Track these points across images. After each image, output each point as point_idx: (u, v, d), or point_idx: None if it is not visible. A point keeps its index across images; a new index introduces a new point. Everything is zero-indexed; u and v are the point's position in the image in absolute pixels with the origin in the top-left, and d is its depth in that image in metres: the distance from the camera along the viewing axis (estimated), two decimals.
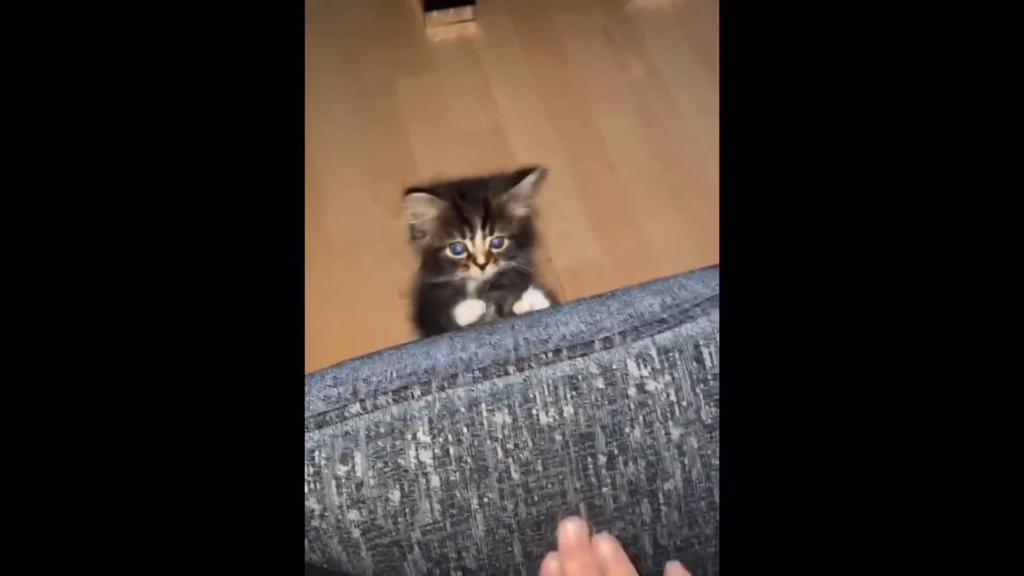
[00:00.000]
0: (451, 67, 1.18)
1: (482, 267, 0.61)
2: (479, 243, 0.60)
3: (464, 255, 0.61)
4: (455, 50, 1.21)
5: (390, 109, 1.13)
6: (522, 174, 0.61)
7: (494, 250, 0.61)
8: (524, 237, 0.63)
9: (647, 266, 0.99)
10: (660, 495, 0.33)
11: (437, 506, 0.32)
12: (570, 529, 0.32)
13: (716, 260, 0.43)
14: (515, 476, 0.32)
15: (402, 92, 1.15)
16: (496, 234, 0.60)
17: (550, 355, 0.34)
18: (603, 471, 0.33)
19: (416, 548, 0.33)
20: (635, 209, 1.05)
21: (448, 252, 0.61)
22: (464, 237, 0.60)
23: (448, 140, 1.11)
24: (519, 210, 0.62)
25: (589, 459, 0.33)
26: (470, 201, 0.60)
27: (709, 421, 0.33)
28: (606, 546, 0.32)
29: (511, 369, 0.34)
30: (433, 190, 0.61)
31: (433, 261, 0.63)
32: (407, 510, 0.32)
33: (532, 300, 0.60)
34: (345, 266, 0.97)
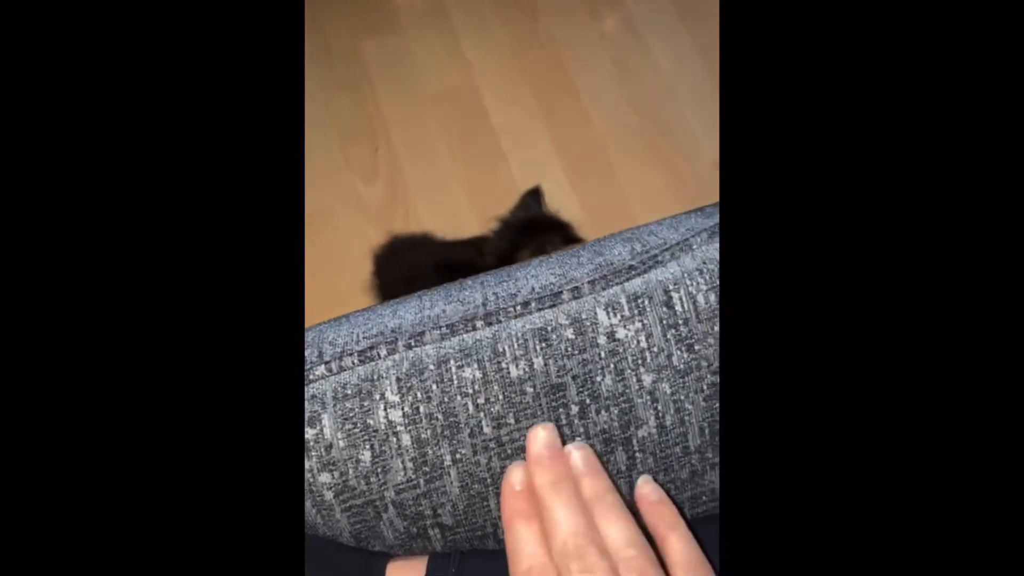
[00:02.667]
0: (419, 26, 1.14)
1: None
2: None
3: None
4: (422, 7, 1.17)
5: (357, 73, 1.10)
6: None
7: None
8: None
9: (627, 221, 0.98)
10: (635, 442, 0.33)
11: (410, 464, 0.32)
12: (541, 436, 0.28)
13: (694, 206, 0.42)
14: (487, 431, 0.32)
15: (369, 54, 1.11)
16: None
17: (519, 308, 0.34)
18: (576, 421, 0.32)
19: (391, 507, 0.33)
20: (613, 163, 1.04)
21: None
22: None
23: (420, 101, 1.08)
24: None
25: (561, 410, 0.32)
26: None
27: (681, 366, 0.32)
28: (580, 454, 0.28)
29: (479, 324, 0.33)
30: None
31: None
32: (379, 470, 0.32)
33: None
34: (319, 234, 0.95)
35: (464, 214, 0.98)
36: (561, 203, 1.00)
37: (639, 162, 1.03)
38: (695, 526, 0.34)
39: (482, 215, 0.98)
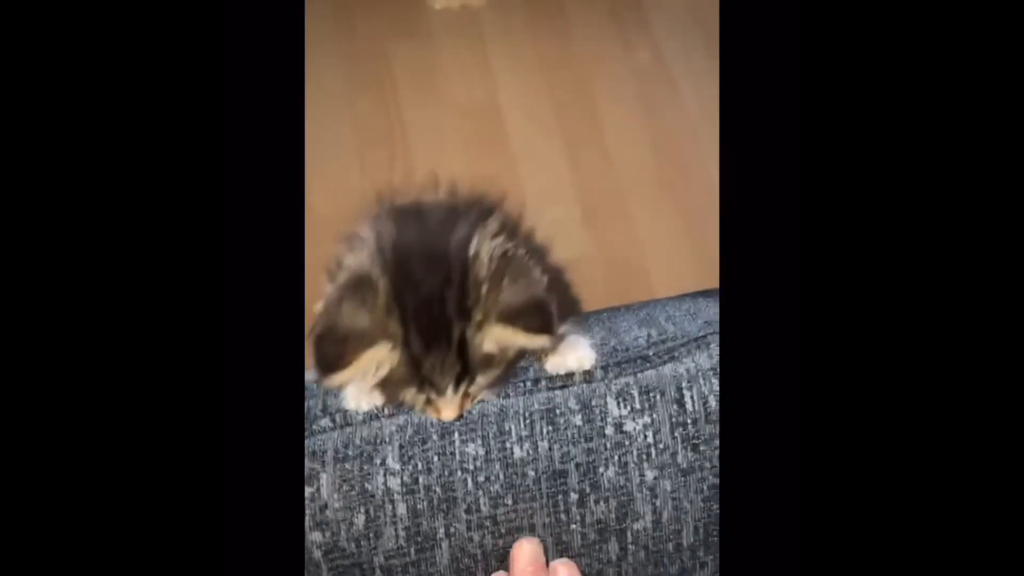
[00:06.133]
0: (451, 36, 1.14)
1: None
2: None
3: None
4: (457, 18, 1.16)
5: (382, 73, 1.09)
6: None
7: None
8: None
9: (637, 262, 0.99)
10: (628, 534, 0.33)
11: (402, 533, 0.32)
12: (526, 550, 0.31)
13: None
14: (484, 509, 0.32)
15: (397, 57, 1.11)
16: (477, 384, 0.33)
17: (528, 384, 0.33)
18: (573, 508, 0.32)
19: (378, 571, 0.32)
20: (628, 203, 1.04)
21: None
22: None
23: (442, 112, 1.07)
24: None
25: (560, 496, 0.32)
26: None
27: (684, 465, 0.32)
28: (564, 571, 0.31)
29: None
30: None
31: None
32: (371, 535, 0.32)
33: (579, 357, 0.33)
34: (329, 243, 0.94)
35: None
36: (572, 238, 1.00)
37: (654, 206, 1.03)
38: None
39: None
